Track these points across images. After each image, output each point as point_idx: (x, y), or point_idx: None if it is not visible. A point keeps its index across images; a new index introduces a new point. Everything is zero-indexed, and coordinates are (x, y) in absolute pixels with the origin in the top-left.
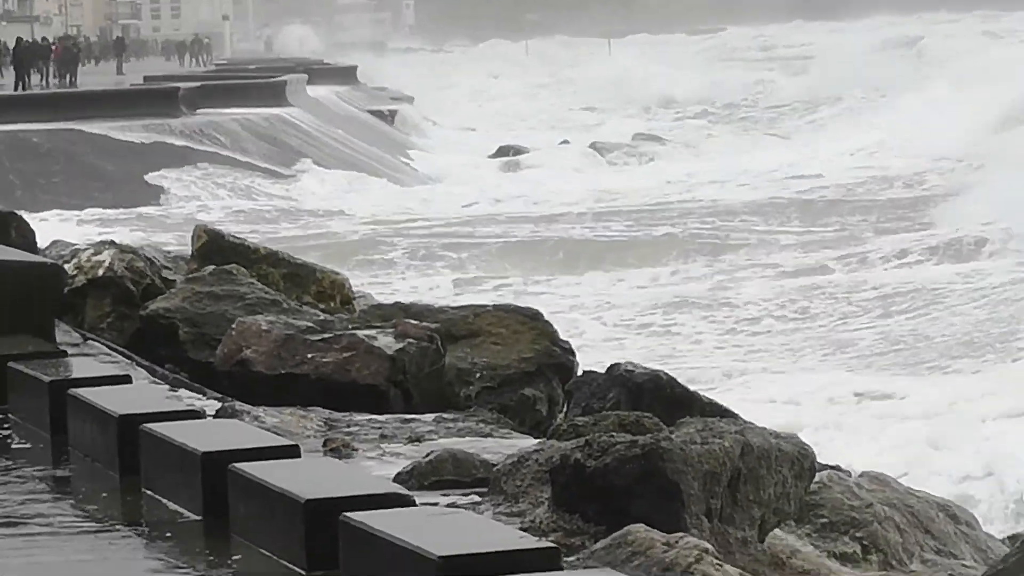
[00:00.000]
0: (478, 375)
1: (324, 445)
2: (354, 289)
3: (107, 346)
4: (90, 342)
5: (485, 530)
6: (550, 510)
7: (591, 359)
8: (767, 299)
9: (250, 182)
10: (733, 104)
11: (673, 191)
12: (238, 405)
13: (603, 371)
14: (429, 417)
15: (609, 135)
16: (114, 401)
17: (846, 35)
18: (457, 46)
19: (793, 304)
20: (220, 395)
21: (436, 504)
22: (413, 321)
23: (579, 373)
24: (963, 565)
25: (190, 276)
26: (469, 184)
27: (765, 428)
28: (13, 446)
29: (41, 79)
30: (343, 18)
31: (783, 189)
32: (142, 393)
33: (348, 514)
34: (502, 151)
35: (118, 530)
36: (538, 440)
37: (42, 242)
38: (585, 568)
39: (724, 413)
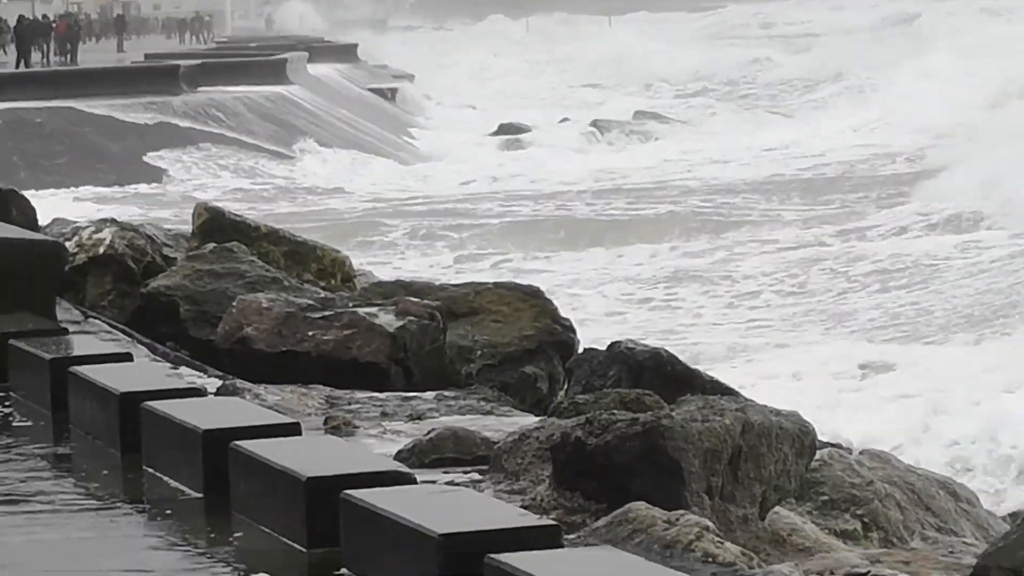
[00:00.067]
0: (479, 353)
1: (325, 423)
2: (355, 267)
3: (108, 324)
4: (91, 320)
5: (486, 508)
6: (551, 488)
7: (593, 333)
8: (767, 273)
9: (251, 161)
10: (734, 82)
11: (674, 169)
12: (239, 383)
13: (604, 348)
14: (430, 395)
15: (610, 113)
16: (115, 379)
17: (846, 12)
18: (458, 24)
19: (793, 279)
20: (221, 373)
21: (437, 482)
22: (414, 299)
23: (580, 350)
24: (964, 542)
25: (191, 254)
26: (470, 162)
27: (766, 406)
28: (14, 424)
29: (42, 57)
30: None
31: (784, 167)
32: (143, 371)
33: (349, 492)
34: (503, 129)
35: (119, 508)
36: (539, 418)
37: (42, 220)
38: (586, 546)
39: (725, 391)
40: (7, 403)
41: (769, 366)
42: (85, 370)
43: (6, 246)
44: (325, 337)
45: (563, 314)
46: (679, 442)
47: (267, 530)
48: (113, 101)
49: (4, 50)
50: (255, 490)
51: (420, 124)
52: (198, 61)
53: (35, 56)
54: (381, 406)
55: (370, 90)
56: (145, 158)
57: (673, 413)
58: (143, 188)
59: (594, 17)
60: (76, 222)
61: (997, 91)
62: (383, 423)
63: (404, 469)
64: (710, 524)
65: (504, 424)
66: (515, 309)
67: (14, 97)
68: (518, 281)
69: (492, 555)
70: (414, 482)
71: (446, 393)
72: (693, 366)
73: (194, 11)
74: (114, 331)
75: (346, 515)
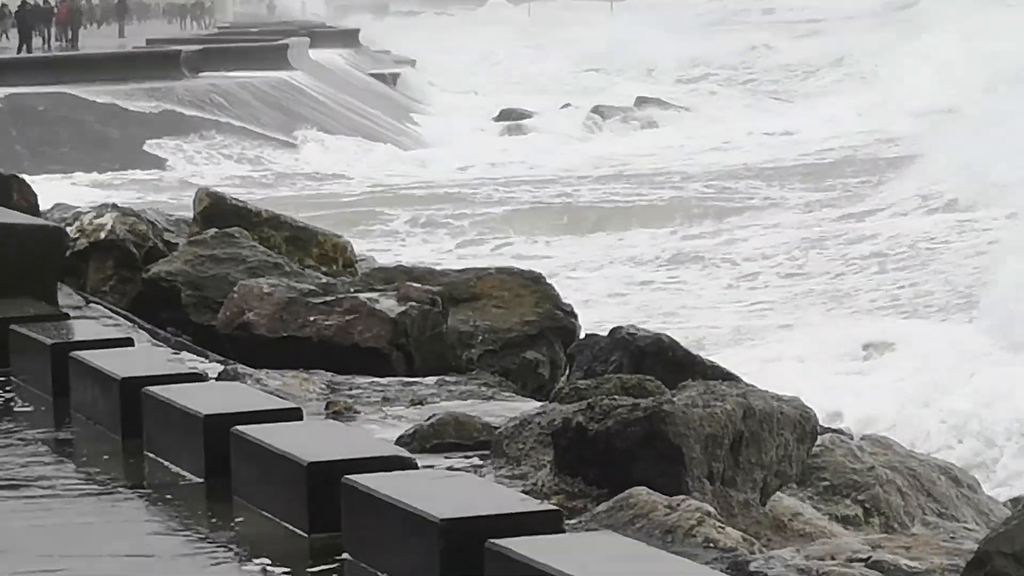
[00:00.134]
0: (480, 338)
1: (326, 408)
2: (356, 252)
3: (109, 309)
4: (92, 305)
5: (487, 493)
6: (552, 473)
7: (595, 315)
8: (768, 256)
9: (253, 147)
10: (735, 67)
11: (676, 155)
12: (240, 368)
13: (605, 334)
14: (431, 380)
15: (611, 99)
16: (116, 364)
17: None
18: (459, 9)
19: (793, 261)
20: (222, 358)
21: (437, 467)
22: (415, 284)
23: (581, 336)
24: (965, 528)
25: (192, 239)
26: (472, 148)
27: (767, 391)
28: (15, 409)
29: (43, 42)
30: None
31: (785, 152)
32: (144, 356)
33: (350, 477)
34: (504, 115)
35: (120, 492)
36: (540, 403)
37: (44, 205)
38: (587, 531)
39: (726, 376)
40: (8, 388)
41: (773, 347)
42: (86, 355)
43: (7, 231)
44: (326, 322)
45: (565, 297)
46: (680, 427)
47: (268, 515)
48: (115, 87)
49: (6, 35)
50: (256, 475)
51: (422, 110)
52: (199, 46)
53: (36, 41)
54: (382, 391)
55: (372, 75)
56: (146, 145)
57: (674, 399)
58: (144, 174)
59: (596, 3)
60: (77, 207)
61: (1000, 73)
62: (384, 408)
63: (405, 454)
64: (711, 509)
65: (505, 409)
66: (516, 295)
67: (15, 82)
68: (520, 266)
69: (493, 540)
70: (415, 467)
71: (447, 378)
72: (695, 350)
73: None
74: (115, 316)
75: (347, 500)
